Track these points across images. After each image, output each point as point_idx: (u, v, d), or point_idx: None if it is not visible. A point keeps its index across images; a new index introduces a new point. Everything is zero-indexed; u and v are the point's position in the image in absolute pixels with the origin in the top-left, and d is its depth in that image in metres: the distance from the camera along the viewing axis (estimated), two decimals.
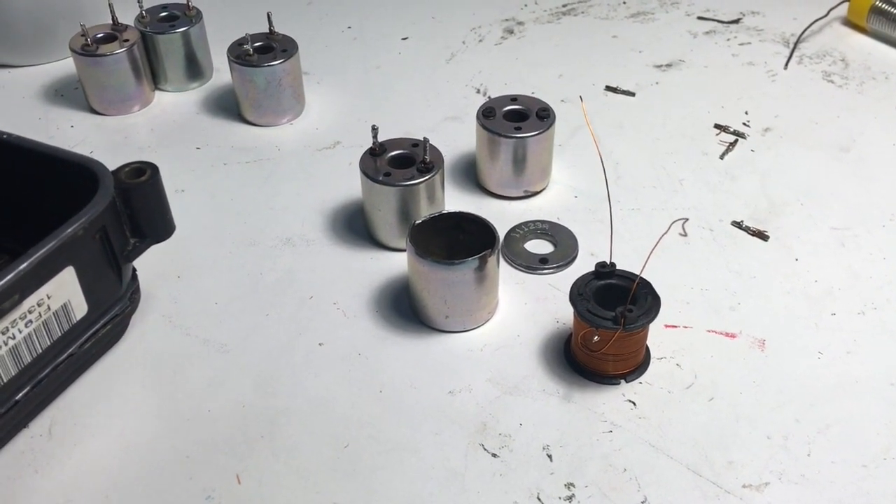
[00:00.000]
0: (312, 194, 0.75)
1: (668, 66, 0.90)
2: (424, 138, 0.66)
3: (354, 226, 0.71)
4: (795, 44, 0.91)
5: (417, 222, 0.62)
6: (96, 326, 0.57)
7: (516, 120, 0.72)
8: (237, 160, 0.79)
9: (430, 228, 0.62)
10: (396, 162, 0.68)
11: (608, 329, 0.55)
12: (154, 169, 0.57)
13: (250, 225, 0.72)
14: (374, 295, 0.65)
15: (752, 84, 0.86)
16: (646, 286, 0.57)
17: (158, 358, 0.61)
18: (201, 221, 0.72)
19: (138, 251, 0.58)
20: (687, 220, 0.56)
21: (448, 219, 0.63)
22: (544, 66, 0.90)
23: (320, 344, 0.61)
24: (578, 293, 0.57)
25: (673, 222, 0.52)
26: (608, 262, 0.58)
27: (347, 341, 0.61)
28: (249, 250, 0.69)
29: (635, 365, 0.58)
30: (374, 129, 0.66)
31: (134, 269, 0.61)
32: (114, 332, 0.60)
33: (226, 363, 0.60)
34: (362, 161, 0.67)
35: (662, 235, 0.52)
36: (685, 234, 0.62)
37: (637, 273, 0.57)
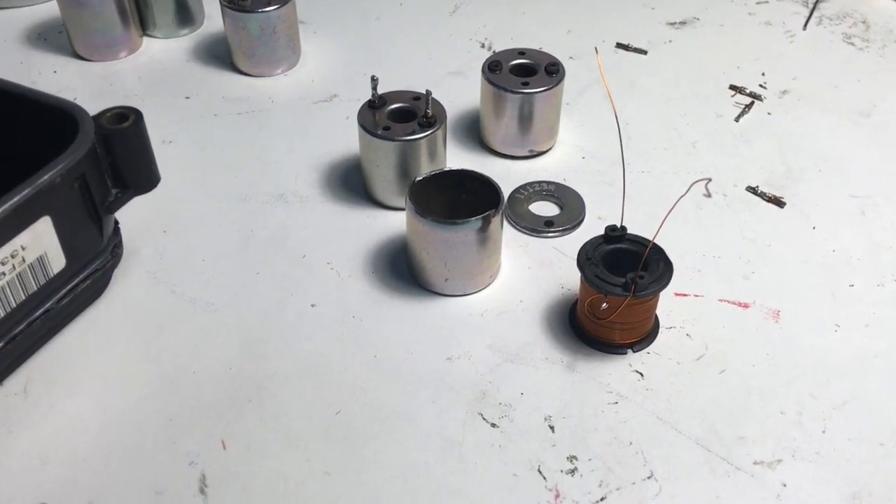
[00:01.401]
0: (307, 149, 0.71)
1: (682, 23, 0.86)
2: (427, 91, 0.62)
3: (351, 182, 0.68)
4: (815, 4, 0.87)
5: (418, 179, 0.58)
6: (75, 281, 0.54)
7: (524, 75, 0.68)
8: (228, 111, 0.75)
9: (430, 186, 0.59)
10: (397, 116, 0.64)
11: (617, 296, 0.52)
12: (138, 114, 0.54)
13: (241, 179, 0.68)
14: (371, 255, 0.62)
15: (770, 45, 0.83)
16: (658, 252, 0.54)
17: (141, 316, 0.57)
18: (189, 174, 0.68)
19: (120, 202, 0.55)
20: (710, 179, 0.52)
21: (450, 176, 0.60)
22: (552, 20, 0.86)
23: (312, 305, 0.58)
24: (587, 258, 0.54)
25: (694, 182, 0.48)
26: (618, 226, 0.55)
27: (341, 303, 0.58)
28: (240, 206, 0.66)
29: (643, 334, 0.56)
30: (374, 80, 0.63)
31: (116, 222, 0.58)
32: (94, 287, 0.56)
33: (213, 323, 0.57)
34: (360, 114, 0.64)
35: (682, 196, 0.49)
36: (709, 195, 0.58)
37: (648, 238, 0.54)
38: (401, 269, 0.61)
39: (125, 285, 0.59)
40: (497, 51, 0.81)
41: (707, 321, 0.57)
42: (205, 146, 0.71)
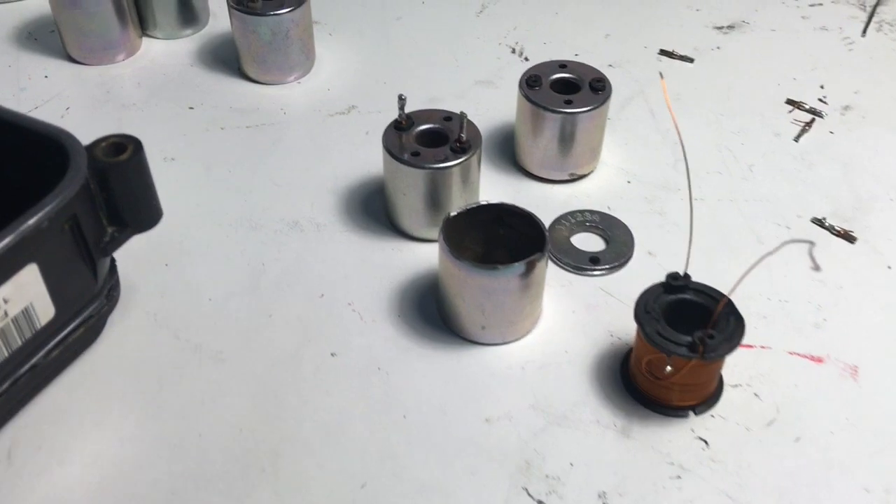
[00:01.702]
0: (323, 169, 0.65)
1: (730, 27, 0.79)
2: (462, 113, 0.55)
3: (373, 209, 0.61)
4: (874, 8, 0.80)
5: (452, 215, 0.52)
6: (65, 331, 0.48)
7: (566, 91, 0.61)
8: (236, 124, 0.68)
9: (464, 221, 0.53)
10: (426, 139, 0.57)
11: (682, 357, 0.46)
12: (137, 145, 0.47)
13: (251, 204, 0.62)
14: (397, 295, 0.55)
15: (827, 53, 0.76)
16: (727, 304, 0.47)
17: (140, 367, 0.51)
18: (194, 198, 0.62)
19: (117, 243, 0.48)
20: (813, 244, 0.42)
21: (487, 211, 0.53)
22: (588, 23, 0.79)
23: (333, 354, 0.52)
24: (645, 310, 0.48)
25: (785, 243, 0.42)
26: (681, 273, 0.48)
27: (365, 352, 0.52)
28: (250, 235, 0.59)
29: (707, 395, 0.49)
30: (402, 100, 0.56)
31: (113, 260, 0.51)
32: (87, 335, 0.50)
33: (221, 374, 0.51)
34: (386, 136, 0.57)
35: (769, 254, 0.42)
36: (817, 268, 0.50)
37: (711, 285, 0.48)
38: (430, 312, 0.54)
39: (122, 329, 0.53)
40: (527, 56, 0.75)
41: (777, 378, 0.51)
42: (210, 165, 0.65)
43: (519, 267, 0.49)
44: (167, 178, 0.63)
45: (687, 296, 0.48)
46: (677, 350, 0.46)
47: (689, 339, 0.46)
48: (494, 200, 0.53)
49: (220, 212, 0.61)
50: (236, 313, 0.54)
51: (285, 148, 0.66)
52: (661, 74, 0.47)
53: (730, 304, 0.47)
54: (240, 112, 0.70)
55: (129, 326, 0.53)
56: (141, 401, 0.50)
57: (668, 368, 0.46)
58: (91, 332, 0.50)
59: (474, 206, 0.53)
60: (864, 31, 0.78)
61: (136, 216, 0.48)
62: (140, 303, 0.55)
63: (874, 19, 0.79)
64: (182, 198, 0.61)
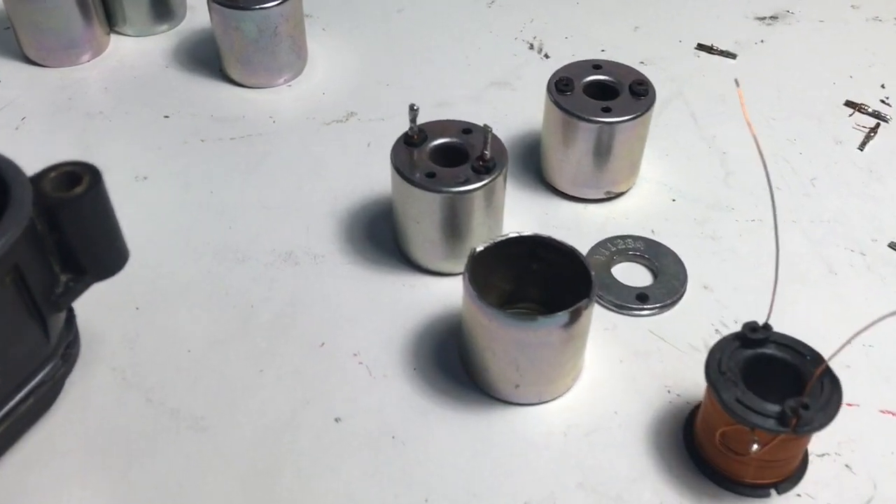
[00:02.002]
0: (321, 187, 0.56)
1: (774, 18, 0.70)
2: (485, 126, 0.47)
3: (379, 236, 0.53)
4: None
5: (478, 250, 0.43)
6: (11, 403, 0.39)
7: (602, 96, 0.53)
8: (219, 135, 0.59)
9: (492, 255, 0.44)
10: (442, 156, 0.49)
11: (769, 431, 0.37)
12: (94, 176, 0.38)
13: (237, 231, 0.53)
14: (412, 343, 0.47)
15: (883, 46, 0.67)
16: (817, 364, 0.39)
17: (105, 438, 0.42)
18: (169, 225, 0.53)
19: (73, 294, 0.39)
20: None
21: (519, 244, 0.45)
22: (615, 14, 0.71)
23: (337, 420, 0.43)
24: (720, 370, 0.39)
25: (891, 314, 0.33)
26: (761, 324, 0.40)
27: (375, 416, 0.44)
28: (236, 270, 0.51)
29: (790, 470, 0.41)
30: (413, 111, 0.47)
31: (70, 311, 0.43)
32: (39, 405, 0.41)
33: (203, 447, 0.42)
34: (396, 153, 0.48)
35: (888, 316, 0.34)
36: None
37: (805, 343, 0.40)
38: (452, 365, 0.46)
39: (83, 392, 0.44)
40: (548, 53, 0.66)
41: (870, 443, 0.43)
42: (189, 184, 0.56)
43: (562, 317, 0.40)
44: (138, 200, 0.54)
45: (768, 350, 0.40)
46: (763, 423, 0.37)
47: (777, 408, 0.37)
48: (527, 232, 0.45)
49: (201, 241, 0.52)
50: (221, 368, 0.45)
51: (275, 163, 0.57)
52: (736, 82, 0.39)
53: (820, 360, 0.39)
54: (222, 121, 0.60)
55: (91, 388, 0.44)
56: (106, 480, 0.41)
57: (755, 447, 0.38)
58: (44, 401, 0.42)
59: (504, 238, 0.44)
60: None
61: (96, 261, 0.40)
62: (105, 358, 0.46)
63: None
64: (156, 225, 0.53)
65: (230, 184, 0.56)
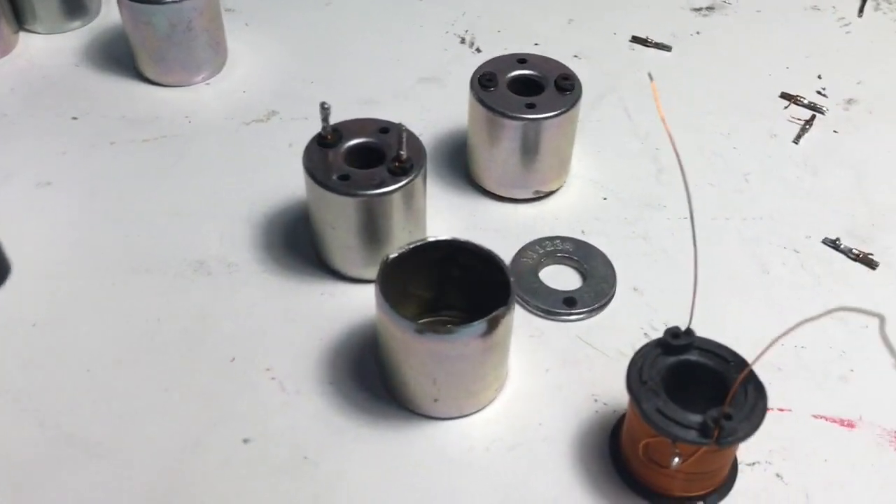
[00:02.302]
0: (237, 192, 0.53)
1: (710, 9, 0.69)
2: (400, 125, 0.44)
3: (298, 243, 0.50)
4: None
5: (391, 257, 0.41)
6: None
7: (527, 92, 0.50)
8: (130, 137, 0.56)
9: (408, 262, 0.42)
10: (358, 156, 0.46)
11: (692, 443, 0.36)
12: None
13: (146, 240, 0.50)
14: (328, 356, 0.44)
15: (822, 37, 0.66)
16: (742, 369, 0.37)
17: None
18: (72, 234, 0.50)
19: None
20: (883, 318, 0.29)
21: (436, 249, 0.42)
22: (548, 6, 0.69)
23: (246, 440, 0.41)
24: (641, 379, 0.37)
25: (831, 311, 0.31)
26: (682, 329, 0.38)
27: (287, 436, 0.41)
28: (143, 282, 0.48)
29: (718, 482, 0.39)
30: (325, 109, 0.45)
31: None
32: None
33: (101, 475, 0.39)
34: (308, 155, 0.46)
35: (810, 319, 0.32)
36: None
37: (728, 347, 0.38)
38: (370, 377, 0.43)
39: None
40: (479, 47, 0.64)
41: (802, 450, 0.41)
42: (96, 190, 0.53)
43: (479, 326, 0.38)
44: (39, 208, 0.51)
45: (692, 357, 0.38)
46: (685, 435, 0.36)
47: (699, 418, 0.36)
48: (445, 236, 0.42)
49: (106, 251, 0.49)
50: (123, 388, 0.43)
51: (190, 166, 0.55)
52: (650, 76, 0.37)
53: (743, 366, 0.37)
54: (135, 122, 0.57)
55: None
56: None
57: (676, 460, 0.36)
58: None
59: (419, 244, 0.42)
60: (861, 11, 0.68)
61: None
62: None
63: None
64: (57, 234, 0.49)
65: (140, 189, 0.53)
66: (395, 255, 0.41)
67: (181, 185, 0.53)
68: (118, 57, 0.62)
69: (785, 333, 0.33)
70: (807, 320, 0.31)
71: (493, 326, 0.39)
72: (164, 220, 0.51)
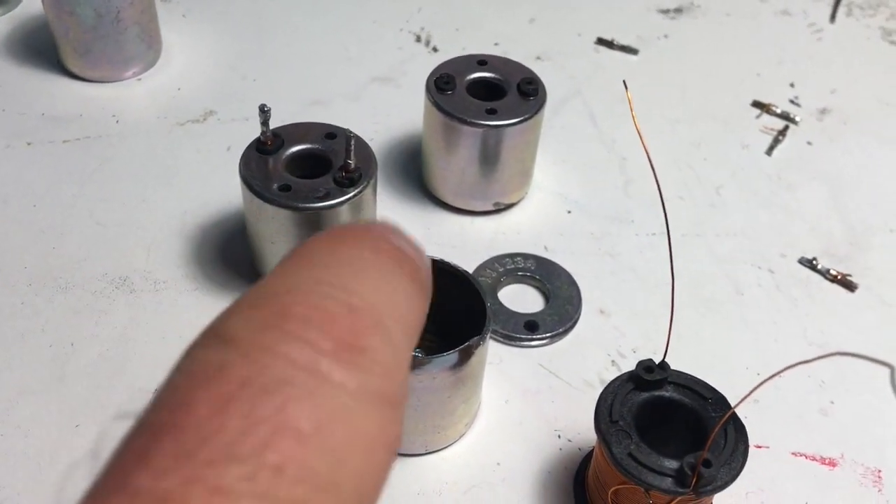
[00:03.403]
0: (168, 200, 0.48)
1: (678, 11, 0.65)
2: (347, 131, 0.40)
3: (235, 258, 0.45)
4: None
5: None
6: None
7: (487, 96, 0.47)
8: (49, 138, 0.51)
9: None
10: (300, 165, 0.42)
11: (666, 492, 0.32)
12: None
13: (63, 253, 0.45)
14: None
15: (793, 43, 0.63)
16: (721, 408, 0.34)
17: None
18: None
19: None
20: (893, 368, 0.25)
21: None
22: (509, 4, 0.65)
23: None
24: (611, 418, 0.34)
25: (830, 354, 0.28)
26: (657, 363, 0.35)
27: None
28: (57, 300, 0.43)
29: None
30: (264, 112, 0.40)
31: None
32: None
33: None
34: (245, 162, 0.41)
35: (796, 366, 0.28)
36: None
37: (706, 382, 0.35)
38: None
39: None
40: (436, 46, 0.60)
41: (782, 490, 0.38)
42: (7, 196, 0.47)
43: (450, 357, 0.34)
44: None
45: (666, 393, 0.35)
46: (660, 483, 0.32)
47: (675, 464, 0.32)
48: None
49: (16, 266, 0.44)
50: (26, 426, 0.38)
51: (115, 171, 0.50)
52: (625, 84, 0.33)
53: (724, 404, 0.34)
54: (55, 121, 0.52)
55: None
56: None
57: None
58: None
59: None
60: (833, 16, 0.66)
61: None
62: None
63: (842, 1, 0.67)
64: None
65: (59, 196, 0.48)
66: None
67: (105, 192, 0.48)
68: (40, 49, 0.57)
69: (774, 375, 0.29)
70: (802, 362, 0.28)
71: (465, 357, 0.35)
72: (84, 231, 0.46)
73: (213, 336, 0.16)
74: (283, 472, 0.14)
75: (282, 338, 0.15)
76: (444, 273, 0.38)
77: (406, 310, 0.17)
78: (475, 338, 0.35)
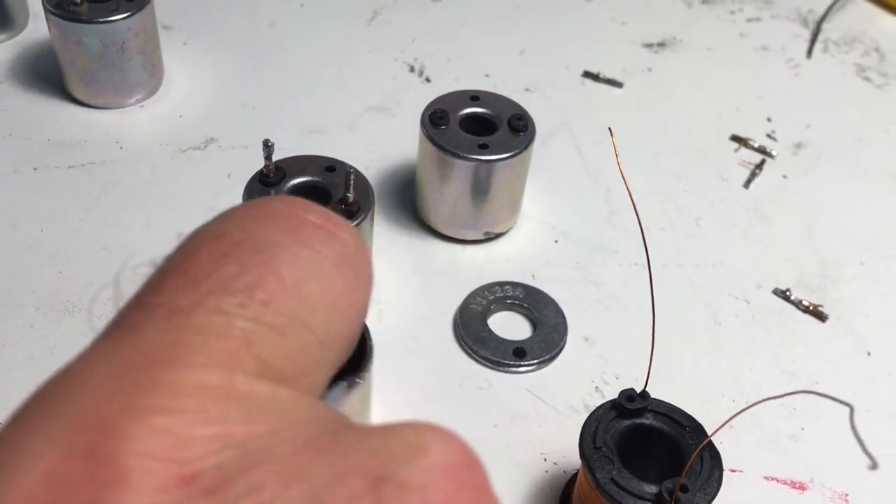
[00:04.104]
0: (171, 224, 0.50)
1: (661, 45, 0.68)
2: (347, 167, 0.42)
3: None
4: (818, 25, 0.71)
5: None
6: None
7: (479, 131, 0.49)
8: (55, 163, 0.53)
9: None
10: (302, 196, 0.44)
11: None
12: None
13: (69, 277, 0.47)
14: None
15: (771, 78, 0.66)
16: (698, 435, 0.36)
17: None
18: None
19: None
20: (852, 408, 0.27)
21: None
22: (500, 36, 0.67)
23: None
24: (595, 444, 0.36)
25: (797, 392, 0.30)
26: (638, 392, 0.37)
27: None
28: (64, 323, 0.44)
29: None
30: (268, 147, 0.42)
31: None
32: None
33: None
34: (249, 193, 0.43)
35: (767, 399, 0.31)
36: (875, 467, 0.37)
37: (684, 411, 0.37)
38: None
39: None
40: (429, 76, 0.62)
41: None
42: (15, 221, 0.49)
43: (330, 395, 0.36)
44: None
45: (646, 421, 0.37)
46: None
47: (653, 489, 0.34)
48: None
49: (24, 290, 0.46)
50: None
51: (120, 196, 0.51)
52: (610, 131, 0.35)
53: (701, 433, 0.36)
54: (61, 146, 0.54)
55: None
56: None
57: None
58: None
59: None
60: (810, 52, 0.68)
61: None
62: None
63: (819, 38, 0.70)
64: None
65: (65, 221, 0.49)
66: None
67: (110, 217, 0.50)
68: (45, 75, 0.59)
69: (747, 408, 0.31)
70: (771, 398, 0.30)
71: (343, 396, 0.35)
72: (90, 255, 0.48)
73: (213, 218, 0.20)
74: (269, 305, 0.17)
75: (272, 214, 0.19)
76: None
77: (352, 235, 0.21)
78: (348, 377, 0.34)
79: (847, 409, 0.26)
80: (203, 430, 0.15)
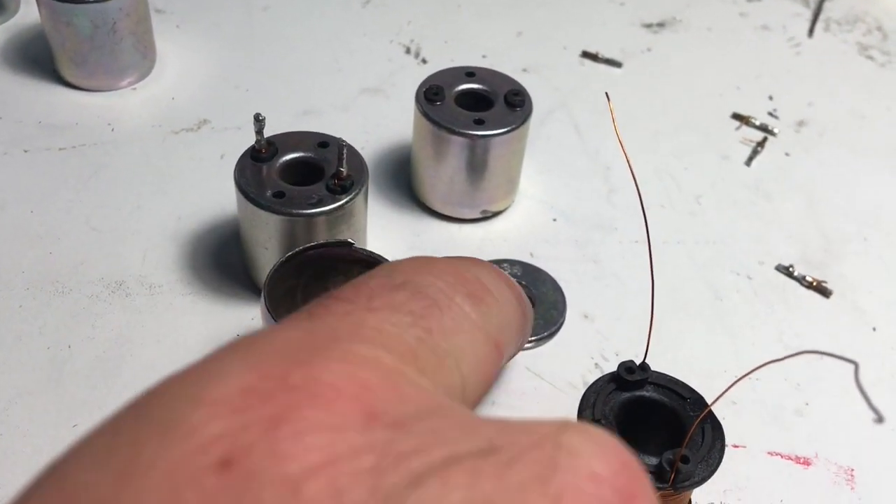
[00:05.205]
0: (163, 206, 0.49)
1: (661, 25, 0.67)
2: (340, 141, 0.41)
3: (229, 263, 0.47)
4: (820, 4, 0.70)
5: (280, 262, 0.38)
6: None
7: (475, 107, 0.48)
8: (46, 145, 0.52)
9: (292, 272, 0.39)
10: (294, 172, 0.43)
11: None
12: None
13: (59, 257, 0.46)
14: None
15: (772, 56, 0.65)
16: (699, 407, 0.35)
17: None
18: None
19: None
20: (857, 365, 0.26)
21: (320, 258, 0.40)
22: (497, 17, 0.66)
23: None
24: (594, 417, 0.35)
25: (800, 353, 0.29)
26: (638, 364, 0.36)
27: None
28: (54, 303, 0.44)
29: None
30: (259, 121, 0.42)
31: None
32: None
33: None
34: (240, 169, 0.43)
35: (771, 362, 0.30)
36: (881, 420, 0.37)
37: (685, 382, 0.36)
38: None
39: None
40: (425, 58, 0.62)
41: (757, 489, 0.39)
42: (6, 202, 0.48)
43: None
44: None
45: (646, 393, 0.36)
46: None
47: (654, 461, 0.34)
48: (321, 240, 0.40)
49: (14, 270, 0.45)
50: (24, 427, 0.39)
51: (111, 178, 0.51)
52: (607, 96, 0.35)
53: (702, 404, 0.35)
54: (52, 129, 0.53)
55: None
56: None
57: None
58: None
59: (293, 253, 0.39)
60: (811, 31, 0.68)
61: None
62: None
63: (820, 16, 0.69)
64: None
65: (55, 202, 0.49)
66: (277, 266, 0.38)
67: (101, 198, 0.49)
68: (36, 58, 0.58)
69: (748, 374, 0.31)
70: (772, 361, 0.29)
71: None
72: (80, 236, 0.47)
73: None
74: (432, 334, 0.19)
75: (434, 274, 0.21)
76: (357, 262, 0.39)
77: (509, 305, 0.24)
78: None
79: (852, 367, 0.25)
80: (383, 382, 0.17)
